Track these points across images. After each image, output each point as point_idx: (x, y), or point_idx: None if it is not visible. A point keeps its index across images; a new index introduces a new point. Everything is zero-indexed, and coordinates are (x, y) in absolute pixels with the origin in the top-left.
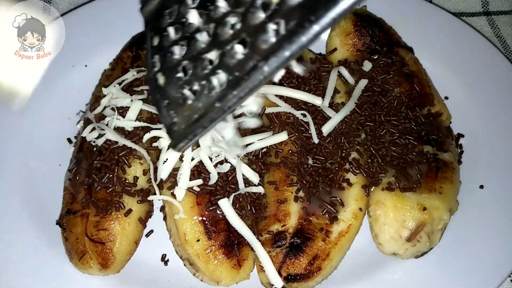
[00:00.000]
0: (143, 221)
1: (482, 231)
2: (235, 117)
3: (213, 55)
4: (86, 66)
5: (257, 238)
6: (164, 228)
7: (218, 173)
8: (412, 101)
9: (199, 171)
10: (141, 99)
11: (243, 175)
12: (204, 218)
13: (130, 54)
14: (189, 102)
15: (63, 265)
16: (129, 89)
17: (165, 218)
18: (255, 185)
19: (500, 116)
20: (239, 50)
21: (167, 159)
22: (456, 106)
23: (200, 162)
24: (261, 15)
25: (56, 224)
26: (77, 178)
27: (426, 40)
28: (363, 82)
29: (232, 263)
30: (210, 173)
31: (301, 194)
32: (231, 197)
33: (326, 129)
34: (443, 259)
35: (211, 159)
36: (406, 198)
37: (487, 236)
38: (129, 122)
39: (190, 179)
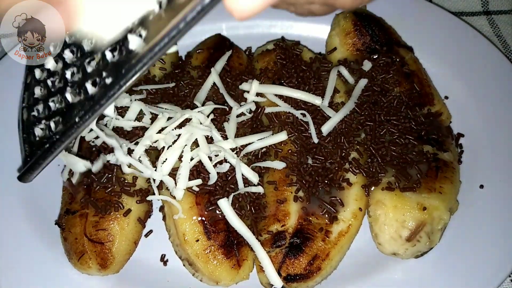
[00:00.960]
0: (142, 221)
1: (482, 231)
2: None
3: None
4: None
5: (257, 238)
6: (163, 228)
7: (218, 173)
8: (412, 100)
9: (198, 171)
10: (141, 99)
11: (242, 175)
12: (203, 218)
13: None
14: (37, 139)
15: (62, 265)
16: (128, 89)
17: (164, 218)
18: (254, 185)
19: (500, 115)
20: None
21: (166, 159)
22: (456, 106)
23: (200, 162)
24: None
25: (55, 224)
26: (76, 178)
27: (426, 40)
28: (363, 82)
29: (232, 263)
30: (209, 173)
31: (300, 194)
32: (231, 197)
33: (326, 128)
34: (443, 259)
35: (210, 158)
36: (406, 198)
37: (487, 236)
38: (128, 122)
39: (190, 179)
